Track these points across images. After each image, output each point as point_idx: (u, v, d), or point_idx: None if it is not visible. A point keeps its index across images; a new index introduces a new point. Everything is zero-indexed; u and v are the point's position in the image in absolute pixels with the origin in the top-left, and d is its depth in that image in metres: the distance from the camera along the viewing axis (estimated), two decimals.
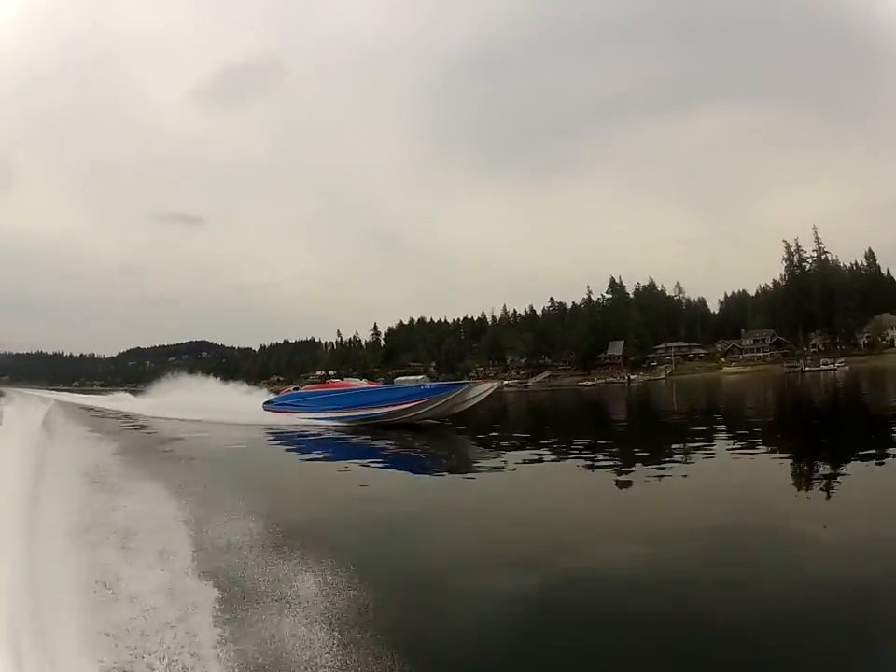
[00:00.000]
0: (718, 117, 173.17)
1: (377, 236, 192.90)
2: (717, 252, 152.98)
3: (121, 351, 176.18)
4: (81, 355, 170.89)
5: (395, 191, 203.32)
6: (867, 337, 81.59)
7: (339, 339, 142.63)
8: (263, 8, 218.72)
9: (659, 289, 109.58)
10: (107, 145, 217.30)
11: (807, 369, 68.82)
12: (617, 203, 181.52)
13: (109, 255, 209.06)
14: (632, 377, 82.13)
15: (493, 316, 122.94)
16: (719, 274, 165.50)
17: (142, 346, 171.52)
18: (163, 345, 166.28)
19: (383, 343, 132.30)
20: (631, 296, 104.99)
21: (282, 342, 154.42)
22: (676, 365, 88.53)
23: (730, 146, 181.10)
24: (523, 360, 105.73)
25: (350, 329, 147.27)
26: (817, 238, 78.97)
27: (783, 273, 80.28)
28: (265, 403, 24.21)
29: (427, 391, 20.82)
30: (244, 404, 25.08)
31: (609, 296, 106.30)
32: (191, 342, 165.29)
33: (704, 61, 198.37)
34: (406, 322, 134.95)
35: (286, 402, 23.48)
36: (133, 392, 48.62)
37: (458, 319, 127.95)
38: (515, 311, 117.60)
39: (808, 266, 79.38)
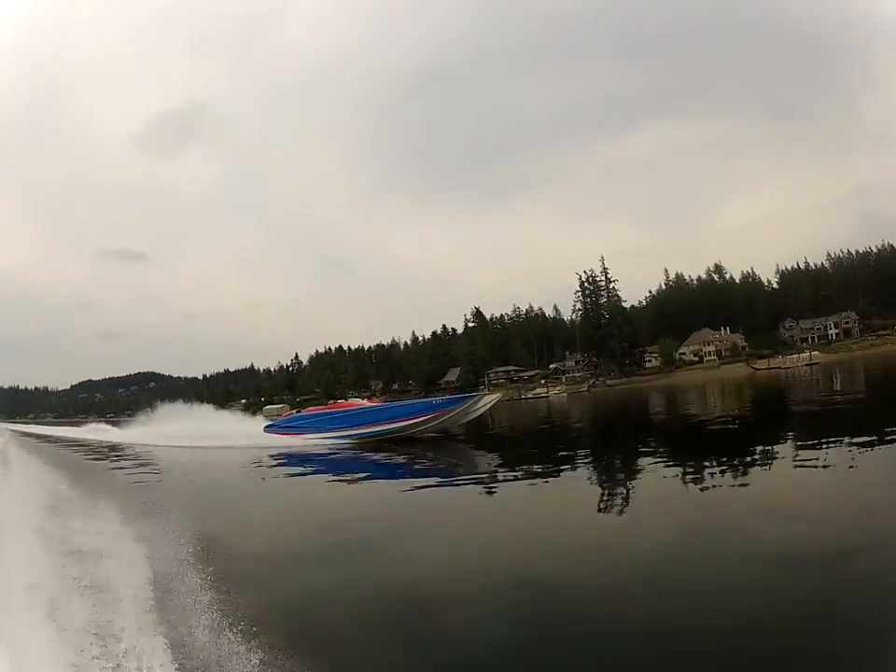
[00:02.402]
0: (667, 130, 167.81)
1: (329, 263, 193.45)
2: (670, 263, 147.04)
3: (74, 383, 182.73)
4: (36, 388, 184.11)
5: (345, 217, 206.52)
6: (680, 355, 75.78)
7: (254, 367, 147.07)
8: (199, 46, 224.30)
9: (535, 312, 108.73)
10: (47, 184, 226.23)
11: (526, 396, 67.19)
12: (569, 220, 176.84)
13: (60, 288, 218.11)
14: None
15: (405, 342, 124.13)
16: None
17: (93, 378, 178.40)
18: (114, 377, 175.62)
19: (291, 370, 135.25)
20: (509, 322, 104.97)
21: (223, 370, 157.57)
22: (490, 388, 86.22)
23: (681, 158, 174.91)
24: (380, 387, 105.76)
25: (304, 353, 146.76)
26: (604, 269, 78.01)
27: (574, 300, 79.09)
28: (266, 427, 25.09)
29: (439, 405, 21.54)
30: (243, 429, 26.03)
31: (473, 324, 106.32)
32: (139, 373, 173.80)
33: (648, 75, 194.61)
34: (323, 350, 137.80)
35: (290, 425, 24.29)
36: (113, 423, 49.29)
37: (371, 346, 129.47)
38: (424, 336, 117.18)
39: (602, 294, 77.89)
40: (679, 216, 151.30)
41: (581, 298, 76.40)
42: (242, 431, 24.51)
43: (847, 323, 79.02)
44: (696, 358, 73.95)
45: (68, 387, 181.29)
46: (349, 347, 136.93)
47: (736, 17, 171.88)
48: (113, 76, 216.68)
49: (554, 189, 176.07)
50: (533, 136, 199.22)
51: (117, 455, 25.15)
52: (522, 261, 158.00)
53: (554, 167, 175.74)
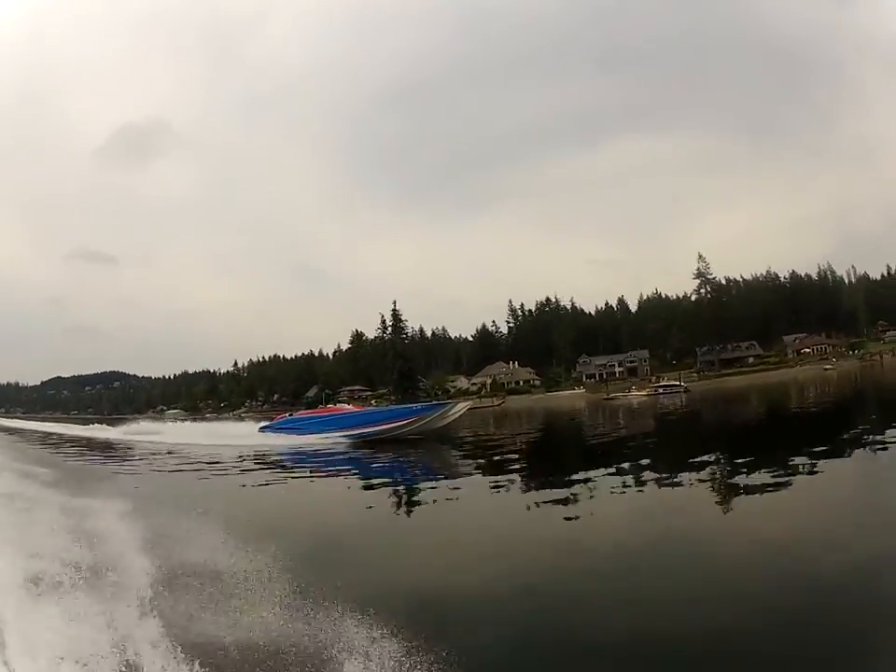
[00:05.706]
0: (643, 144, 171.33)
1: (301, 269, 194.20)
2: (645, 276, 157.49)
3: (44, 380, 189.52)
4: (8, 383, 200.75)
5: (317, 224, 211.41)
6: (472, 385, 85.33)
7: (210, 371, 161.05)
8: (175, 53, 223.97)
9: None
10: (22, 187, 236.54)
11: None
12: (541, 232, 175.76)
13: (33, 287, 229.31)
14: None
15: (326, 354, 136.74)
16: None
17: (62, 375, 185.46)
18: (82, 375, 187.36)
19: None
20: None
21: (180, 372, 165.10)
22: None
23: (657, 172, 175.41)
24: (261, 399, 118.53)
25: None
26: (394, 310, 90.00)
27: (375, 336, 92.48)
28: (261, 428, 27.71)
29: (419, 410, 24.30)
30: (242, 430, 30.04)
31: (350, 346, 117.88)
32: (105, 372, 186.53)
33: (625, 89, 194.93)
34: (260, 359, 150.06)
35: (284, 426, 26.93)
36: (112, 423, 51.60)
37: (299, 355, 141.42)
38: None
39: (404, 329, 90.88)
40: (655, 230, 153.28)
41: (380, 333, 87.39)
42: (240, 432, 28.79)
43: (631, 362, 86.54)
44: (477, 390, 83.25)
45: (38, 383, 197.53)
46: (283, 356, 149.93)
47: (715, 31, 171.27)
48: (89, 81, 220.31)
49: (527, 200, 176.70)
50: (507, 148, 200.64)
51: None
52: (493, 272, 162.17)
53: (527, 179, 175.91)
